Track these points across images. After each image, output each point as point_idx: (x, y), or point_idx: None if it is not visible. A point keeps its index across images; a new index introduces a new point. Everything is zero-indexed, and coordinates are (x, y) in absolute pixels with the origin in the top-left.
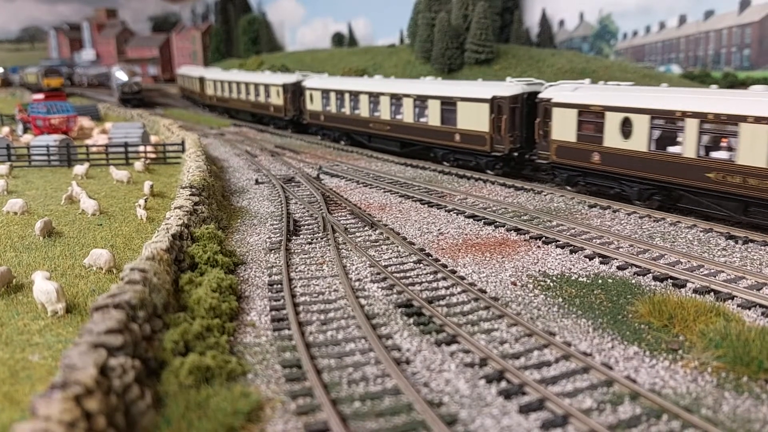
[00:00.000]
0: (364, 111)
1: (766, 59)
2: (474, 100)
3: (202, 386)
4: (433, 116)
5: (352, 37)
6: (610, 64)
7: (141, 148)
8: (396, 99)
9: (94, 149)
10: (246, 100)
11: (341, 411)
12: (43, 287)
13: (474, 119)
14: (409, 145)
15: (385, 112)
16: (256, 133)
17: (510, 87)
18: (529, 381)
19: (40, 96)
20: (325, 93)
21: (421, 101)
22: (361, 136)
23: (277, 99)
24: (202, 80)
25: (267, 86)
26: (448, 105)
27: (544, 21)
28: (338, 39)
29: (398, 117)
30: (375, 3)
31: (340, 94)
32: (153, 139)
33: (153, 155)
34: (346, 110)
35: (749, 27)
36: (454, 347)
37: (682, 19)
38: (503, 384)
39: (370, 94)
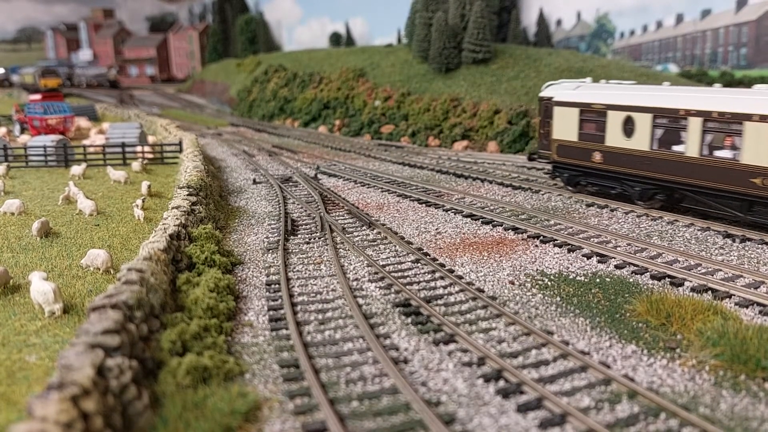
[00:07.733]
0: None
1: (763, 58)
2: None
3: (200, 386)
4: None
5: (350, 37)
6: (607, 63)
7: (138, 149)
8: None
9: (91, 149)
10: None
11: (339, 410)
12: (40, 288)
13: None
14: None
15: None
16: (253, 133)
17: None
18: (527, 380)
19: (37, 96)
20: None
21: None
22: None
23: None
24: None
25: None
26: None
27: (542, 20)
28: (335, 38)
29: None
30: (372, 3)
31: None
32: (150, 139)
33: (150, 155)
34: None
35: (746, 26)
36: (452, 346)
37: (679, 18)
38: (501, 383)
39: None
